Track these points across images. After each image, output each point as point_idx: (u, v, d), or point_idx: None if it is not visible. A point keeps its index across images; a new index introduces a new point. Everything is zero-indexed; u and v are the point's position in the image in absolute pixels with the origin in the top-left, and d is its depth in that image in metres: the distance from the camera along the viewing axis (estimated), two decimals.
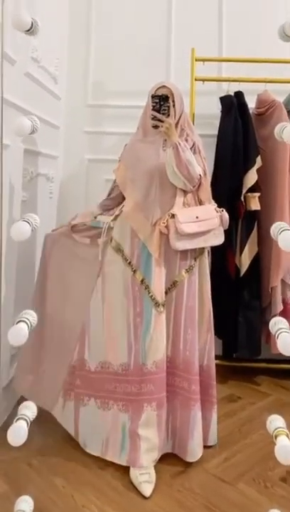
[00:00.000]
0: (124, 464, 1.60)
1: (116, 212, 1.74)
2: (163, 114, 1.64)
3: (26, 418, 1.18)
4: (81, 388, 1.71)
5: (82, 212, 1.87)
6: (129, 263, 1.67)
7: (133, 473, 1.56)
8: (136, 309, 1.65)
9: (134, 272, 1.66)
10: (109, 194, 1.88)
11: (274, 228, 1.27)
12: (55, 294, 1.79)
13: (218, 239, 1.70)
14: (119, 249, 1.69)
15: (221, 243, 1.72)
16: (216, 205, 1.73)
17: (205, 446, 1.70)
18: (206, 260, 1.74)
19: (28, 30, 1.18)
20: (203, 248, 1.71)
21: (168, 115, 1.64)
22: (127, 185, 1.74)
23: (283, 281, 2.25)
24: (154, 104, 1.65)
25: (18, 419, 1.17)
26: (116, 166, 1.82)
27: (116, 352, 1.67)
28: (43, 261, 1.84)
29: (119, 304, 1.68)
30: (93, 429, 1.68)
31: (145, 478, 1.53)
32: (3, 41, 1.45)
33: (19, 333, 1.15)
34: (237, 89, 2.31)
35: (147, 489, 1.50)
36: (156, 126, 1.65)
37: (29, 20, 1.17)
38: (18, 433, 1.14)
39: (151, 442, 1.59)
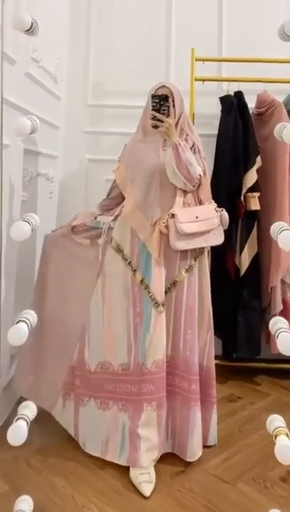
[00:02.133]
0: (124, 464, 1.60)
1: (116, 213, 1.74)
2: (163, 114, 1.64)
3: (26, 418, 1.18)
4: (81, 388, 1.70)
5: (82, 213, 1.87)
6: (129, 263, 1.67)
7: (133, 473, 1.56)
8: (136, 309, 1.65)
9: (134, 271, 1.66)
10: (109, 194, 1.88)
11: (274, 228, 1.27)
12: (54, 294, 1.79)
13: (218, 239, 1.70)
14: (118, 250, 1.69)
15: (221, 243, 1.72)
16: (216, 205, 1.73)
17: (205, 446, 1.71)
18: (206, 260, 1.74)
19: (28, 30, 1.18)
20: (203, 248, 1.71)
21: (168, 115, 1.64)
22: (127, 185, 1.75)
23: (283, 281, 2.25)
24: (154, 104, 1.65)
25: (17, 419, 1.17)
26: (116, 166, 1.83)
27: (116, 352, 1.66)
28: (43, 262, 1.84)
29: (118, 304, 1.67)
30: (93, 430, 1.68)
31: (145, 478, 1.54)
32: (3, 41, 1.44)
33: (19, 333, 1.15)
34: (236, 89, 2.31)
35: (147, 489, 1.50)
36: (155, 126, 1.65)
37: (29, 21, 1.17)
38: (17, 433, 1.14)
39: (150, 442, 1.59)
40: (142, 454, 1.58)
